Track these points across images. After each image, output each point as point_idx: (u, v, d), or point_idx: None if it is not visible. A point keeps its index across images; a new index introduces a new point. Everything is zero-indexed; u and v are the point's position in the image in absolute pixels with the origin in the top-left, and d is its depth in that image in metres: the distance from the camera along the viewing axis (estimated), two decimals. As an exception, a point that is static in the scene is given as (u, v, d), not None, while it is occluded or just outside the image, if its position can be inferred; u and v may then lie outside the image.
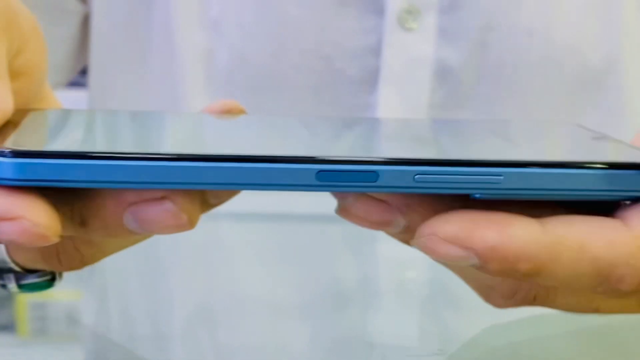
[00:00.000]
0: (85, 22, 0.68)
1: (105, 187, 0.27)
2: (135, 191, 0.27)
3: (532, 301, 0.32)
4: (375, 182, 0.28)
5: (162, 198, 0.27)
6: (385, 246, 0.33)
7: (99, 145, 0.29)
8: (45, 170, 0.26)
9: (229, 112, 0.33)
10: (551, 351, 0.39)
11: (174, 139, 0.32)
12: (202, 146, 0.30)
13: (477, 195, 0.28)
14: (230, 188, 0.28)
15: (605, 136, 0.33)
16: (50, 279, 0.33)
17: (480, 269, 0.28)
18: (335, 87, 0.61)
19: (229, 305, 0.44)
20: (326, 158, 0.27)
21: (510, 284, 0.32)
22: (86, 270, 0.33)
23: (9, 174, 0.26)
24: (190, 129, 0.34)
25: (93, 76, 0.68)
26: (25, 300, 0.43)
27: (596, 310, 0.32)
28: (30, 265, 0.31)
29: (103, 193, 0.27)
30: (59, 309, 0.44)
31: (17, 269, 0.32)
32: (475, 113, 0.62)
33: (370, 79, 0.61)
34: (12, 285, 0.32)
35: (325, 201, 0.34)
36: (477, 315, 0.42)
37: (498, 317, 0.40)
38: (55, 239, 0.26)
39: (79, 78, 0.77)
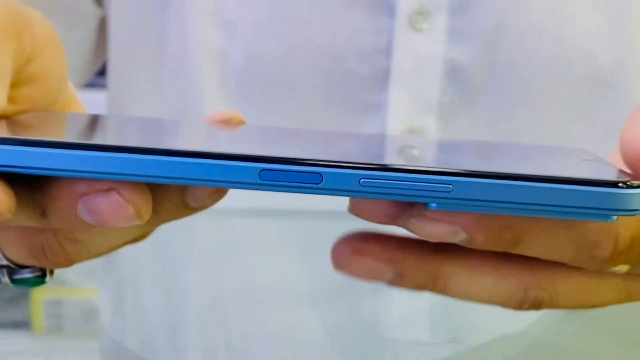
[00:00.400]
0: (102, 25, 0.69)
1: (50, 175, 0.28)
2: (86, 182, 0.28)
3: (539, 306, 0.33)
4: (319, 184, 0.28)
5: (109, 189, 0.28)
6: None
7: (56, 137, 0.29)
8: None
9: (228, 121, 0.34)
10: (562, 336, 0.40)
11: (135, 137, 0.32)
12: (156, 143, 0.30)
13: (434, 206, 0.28)
14: (174, 182, 0.28)
15: (599, 159, 0.31)
16: (41, 275, 0.34)
17: (468, 242, 0.29)
18: (346, 86, 0.62)
19: (243, 301, 0.45)
20: (270, 157, 0.27)
21: (516, 297, 0.33)
22: (101, 267, 0.34)
23: None
24: (158, 131, 0.34)
25: (111, 77, 0.69)
26: (41, 298, 0.44)
27: (594, 306, 0.34)
28: (21, 261, 0.32)
29: (59, 184, 0.28)
30: (73, 306, 0.45)
31: (10, 264, 0.33)
32: (485, 112, 0.62)
33: (381, 79, 0.61)
34: (6, 280, 0.33)
35: (334, 199, 0.34)
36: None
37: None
38: (7, 215, 0.27)
39: (96, 79, 0.77)
